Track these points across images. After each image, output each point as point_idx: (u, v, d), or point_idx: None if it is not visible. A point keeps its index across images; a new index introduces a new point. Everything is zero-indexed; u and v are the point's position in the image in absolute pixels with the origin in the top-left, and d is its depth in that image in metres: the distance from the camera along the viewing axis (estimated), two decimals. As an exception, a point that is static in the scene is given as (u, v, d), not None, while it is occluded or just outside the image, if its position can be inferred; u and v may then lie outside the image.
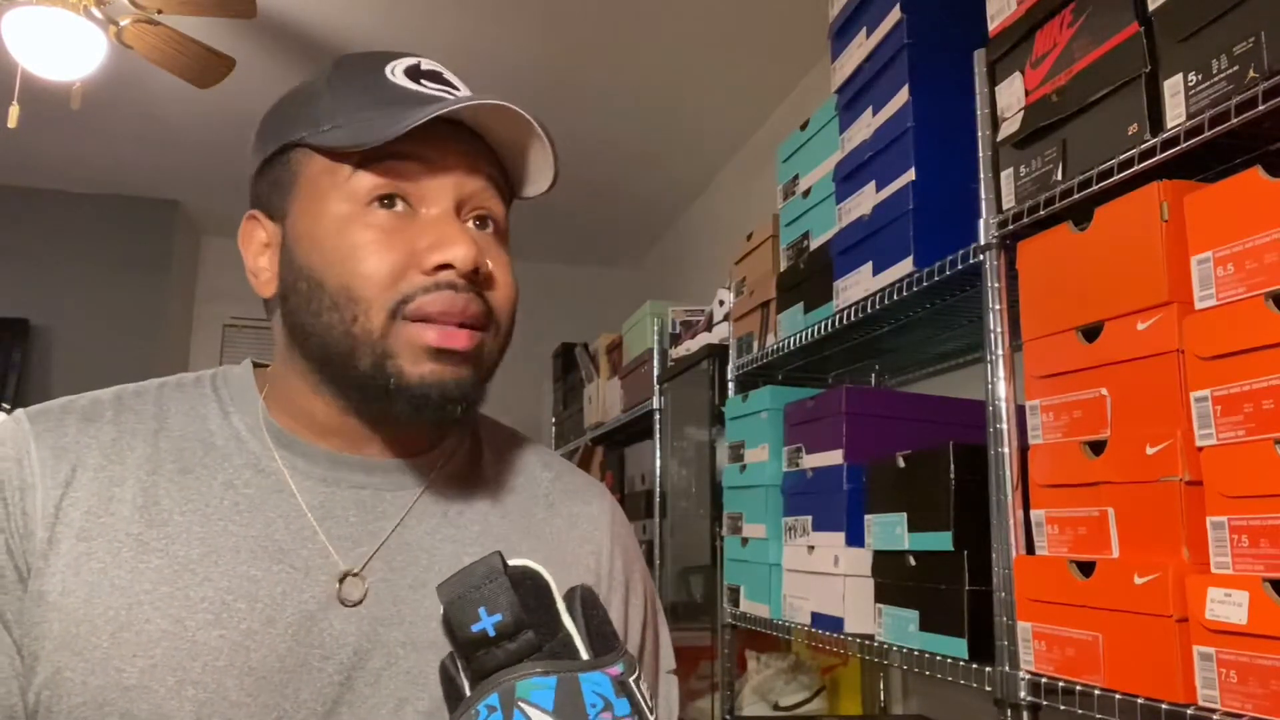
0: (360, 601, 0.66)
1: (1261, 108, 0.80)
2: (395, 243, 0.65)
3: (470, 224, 0.69)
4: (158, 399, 0.71)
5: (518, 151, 0.70)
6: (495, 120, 0.68)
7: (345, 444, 0.70)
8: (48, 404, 0.70)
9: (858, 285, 1.50)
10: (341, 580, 0.66)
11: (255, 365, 0.75)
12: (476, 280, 0.66)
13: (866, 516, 1.39)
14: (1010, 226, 1.12)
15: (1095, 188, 0.99)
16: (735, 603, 1.82)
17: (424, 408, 0.65)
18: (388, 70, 0.69)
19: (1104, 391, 0.95)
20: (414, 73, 0.70)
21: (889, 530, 1.32)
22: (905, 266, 1.36)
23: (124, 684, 0.60)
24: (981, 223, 1.18)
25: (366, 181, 0.66)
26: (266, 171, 0.71)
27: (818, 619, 1.51)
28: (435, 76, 0.70)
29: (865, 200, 1.49)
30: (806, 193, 1.74)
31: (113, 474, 0.66)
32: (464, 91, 0.71)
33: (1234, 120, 0.83)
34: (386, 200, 0.66)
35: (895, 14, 1.42)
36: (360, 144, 0.64)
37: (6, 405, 3.93)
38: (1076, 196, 1.01)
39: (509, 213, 0.73)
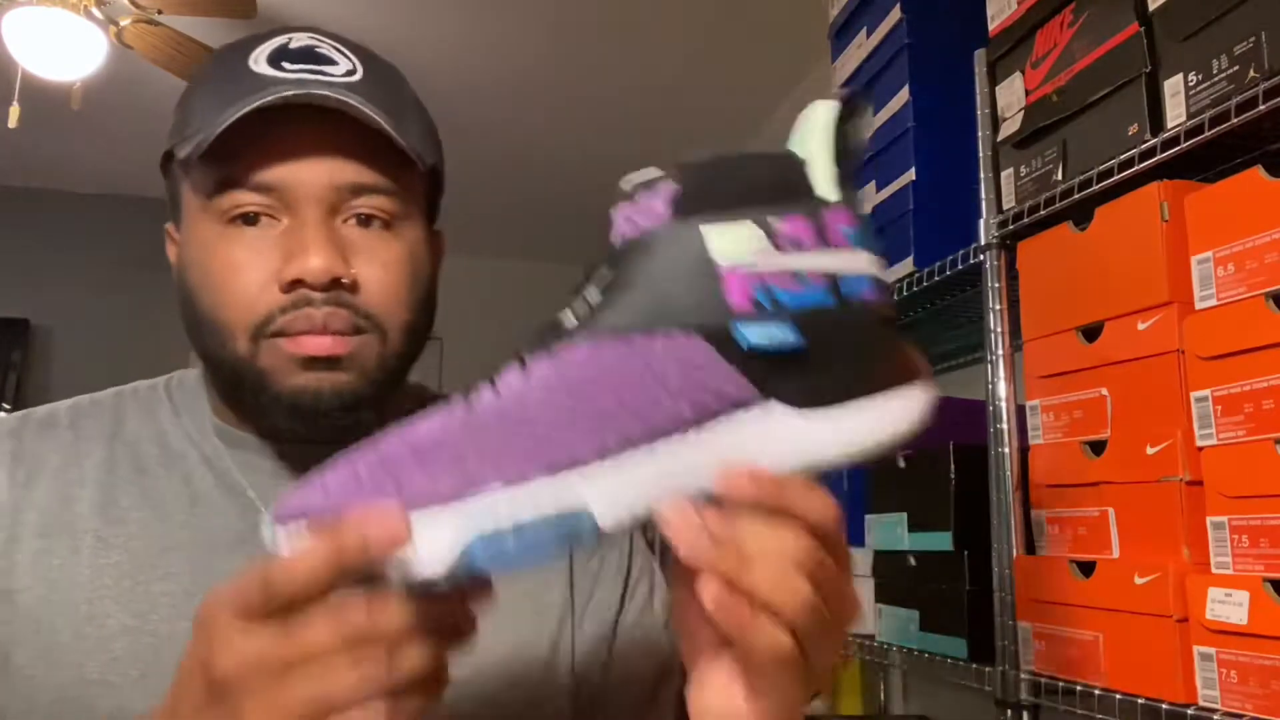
0: None
1: (1261, 108, 0.80)
2: (256, 261, 0.62)
3: (350, 223, 0.64)
4: (114, 406, 0.71)
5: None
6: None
7: (285, 438, 0.68)
8: (5, 416, 0.70)
9: (858, 285, 1.50)
10: None
11: None
12: (342, 287, 0.62)
13: (866, 516, 1.39)
14: (1010, 226, 1.12)
15: (1095, 188, 0.99)
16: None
17: (303, 419, 0.63)
18: (252, 59, 0.64)
19: (1104, 391, 0.95)
20: (278, 56, 0.64)
21: (889, 530, 1.32)
22: (905, 266, 1.36)
23: (86, 679, 0.60)
24: (981, 223, 1.18)
25: (225, 199, 0.62)
26: (166, 182, 0.68)
27: (818, 619, 1.51)
28: (304, 55, 0.64)
29: (865, 200, 1.49)
30: (806, 193, 1.74)
31: (71, 475, 0.66)
32: (341, 66, 0.65)
33: (1234, 120, 0.83)
34: (247, 218, 0.62)
35: (895, 14, 1.42)
36: (193, 154, 0.61)
37: (7, 405, 3.93)
38: (1076, 196, 1.01)
39: (429, 188, 0.69)
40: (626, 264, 0.44)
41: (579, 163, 3.78)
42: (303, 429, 0.64)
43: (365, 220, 0.64)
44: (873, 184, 1.48)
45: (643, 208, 0.44)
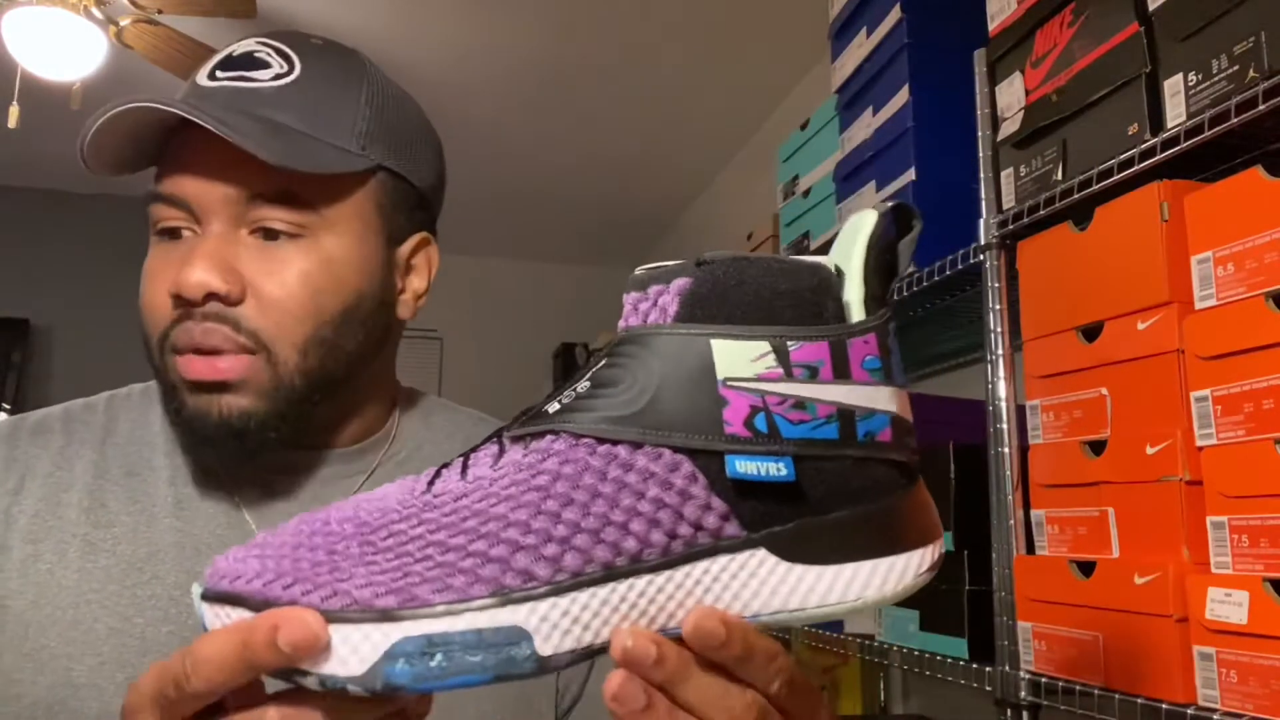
0: None
1: (1261, 108, 0.80)
2: (163, 274, 0.63)
3: (255, 234, 0.63)
4: (107, 409, 0.72)
5: None
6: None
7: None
8: None
9: (858, 285, 1.50)
10: None
11: None
12: (221, 301, 0.61)
13: (866, 516, 1.39)
14: (1010, 226, 1.12)
15: (1095, 188, 0.99)
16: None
17: (210, 442, 0.63)
18: (200, 74, 0.65)
19: (1104, 391, 0.95)
20: (217, 67, 0.65)
21: (889, 530, 1.32)
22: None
23: (74, 683, 0.60)
24: (981, 223, 1.18)
25: (152, 213, 0.64)
26: None
27: (818, 619, 1.51)
28: (240, 62, 0.65)
29: (865, 200, 1.49)
30: (806, 193, 1.74)
31: (60, 480, 0.66)
32: (272, 69, 0.64)
33: (1234, 120, 0.83)
34: (167, 232, 0.64)
35: (895, 14, 1.42)
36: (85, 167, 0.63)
37: (7, 405, 3.93)
38: (1076, 196, 1.01)
39: (361, 193, 0.66)
40: (622, 358, 0.40)
41: (580, 163, 3.78)
42: (222, 452, 0.64)
43: (270, 233, 0.63)
44: (873, 184, 1.48)
45: (651, 300, 0.40)
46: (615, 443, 0.38)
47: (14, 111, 2.53)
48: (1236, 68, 0.84)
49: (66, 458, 0.68)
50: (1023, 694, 1.03)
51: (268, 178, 0.62)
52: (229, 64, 0.65)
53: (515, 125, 3.44)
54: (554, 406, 0.40)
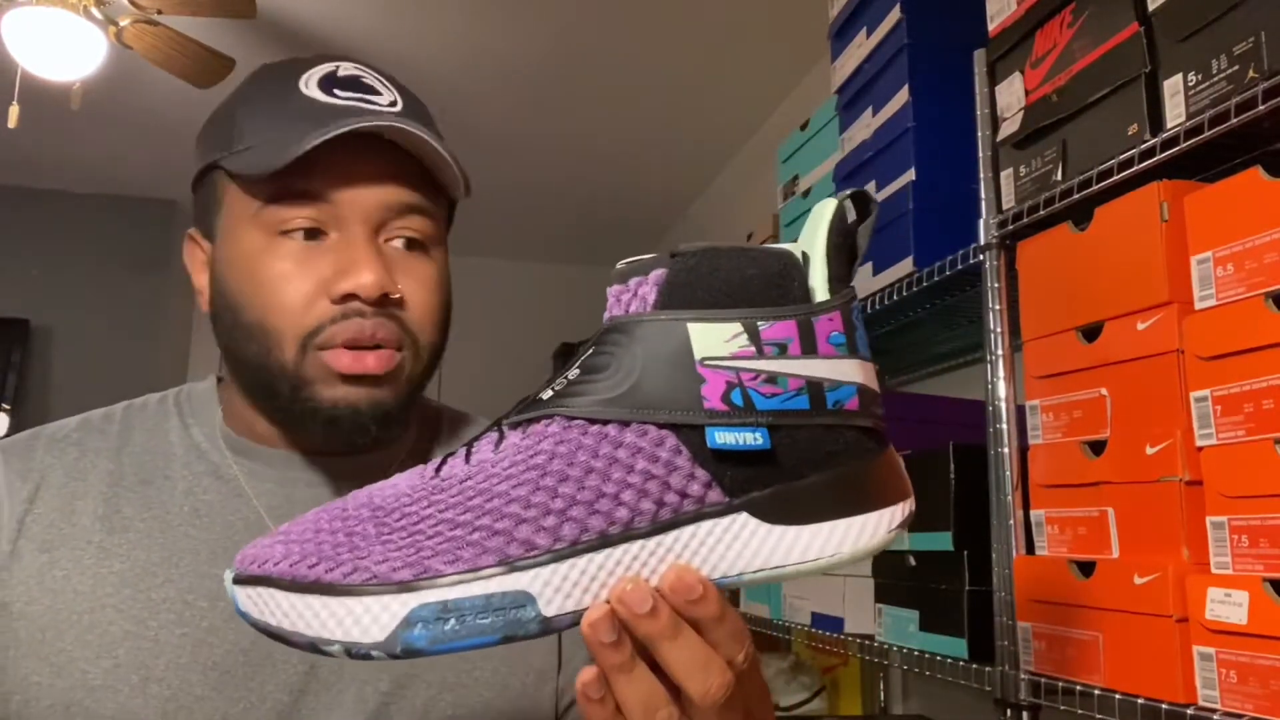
0: None
1: (1261, 108, 0.80)
2: (306, 272, 0.64)
3: (393, 243, 0.67)
4: (124, 419, 0.73)
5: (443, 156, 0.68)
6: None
7: (296, 447, 0.71)
8: (18, 434, 0.72)
9: (857, 285, 1.50)
10: None
11: (220, 379, 0.76)
12: (390, 303, 0.65)
13: (866, 516, 1.39)
14: (1010, 226, 1.12)
15: (1095, 188, 0.99)
16: (735, 603, 1.82)
17: (338, 431, 0.65)
18: (301, 82, 0.67)
19: (1104, 391, 0.95)
20: (328, 82, 0.67)
21: (889, 530, 1.32)
22: (905, 266, 1.36)
23: (89, 684, 0.62)
24: (981, 223, 1.18)
25: (276, 213, 0.65)
26: (198, 190, 0.71)
27: (818, 619, 1.51)
28: (352, 83, 0.68)
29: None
30: (806, 193, 1.74)
31: (75, 489, 0.68)
32: (385, 96, 0.68)
33: (1234, 120, 0.83)
34: (297, 231, 0.65)
35: (895, 14, 1.42)
36: (261, 171, 0.63)
37: (6, 405, 3.93)
38: (1076, 196, 1.01)
39: (447, 217, 0.72)
40: (608, 345, 0.43)
41: (580, 163, 3.78)
42: (337, 442, 0.66)
43: (407, 242, 0.67)
44: (873, 184, 1.48)
45: (632, 291, 0.44)
46: (605, 423, 0.42)
47: (14, 111, 2.53)
48: (1236, 68, 0.84)
49: (81, 468, 0.69)
50: (1022, 694, 1.03)
51: (419, 192, 0.67)
52: (342, 84, 0.67)
53: (515, 125, 3.44)
54: (548, 394, 0.43)
